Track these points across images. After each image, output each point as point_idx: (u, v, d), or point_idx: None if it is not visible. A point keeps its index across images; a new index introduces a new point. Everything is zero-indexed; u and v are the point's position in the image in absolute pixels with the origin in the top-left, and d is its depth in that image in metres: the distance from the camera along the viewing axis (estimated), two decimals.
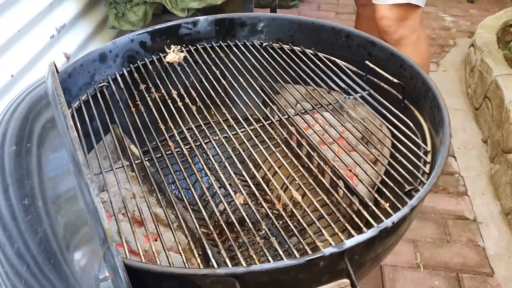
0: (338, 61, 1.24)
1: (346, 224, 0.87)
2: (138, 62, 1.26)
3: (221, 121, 1.11)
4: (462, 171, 2.10)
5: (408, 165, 0.96)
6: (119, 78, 1.21)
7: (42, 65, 1.65)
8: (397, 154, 1.00)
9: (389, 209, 0.87)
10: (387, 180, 0.95)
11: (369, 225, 0.85)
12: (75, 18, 1.88)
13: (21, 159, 0.83)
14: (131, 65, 1.25)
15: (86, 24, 1.95)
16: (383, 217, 0.84)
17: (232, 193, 0.95)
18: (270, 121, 1.13)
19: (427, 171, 0.94)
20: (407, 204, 0.81)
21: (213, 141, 1.07)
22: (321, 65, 1.22)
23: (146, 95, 1.17)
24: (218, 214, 0.92)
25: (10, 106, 0.93)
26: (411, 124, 1.05)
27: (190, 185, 0.97)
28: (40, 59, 1.66)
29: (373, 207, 0.89)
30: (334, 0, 3.43)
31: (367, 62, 1.18)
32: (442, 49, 2.87)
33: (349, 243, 0.73)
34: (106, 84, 1.20)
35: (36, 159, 0.83)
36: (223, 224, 0.90)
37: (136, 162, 1.04)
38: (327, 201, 0.93)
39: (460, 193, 2.02)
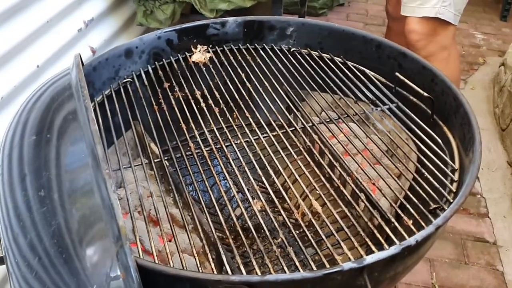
0: (367, 71, 1.21)
1: (366, 238, 0.84)
2: (164, 60, 1.25)
3: (244, 125, 1.09)
4: (485, 192, 2.05)
5: (434, 182, 0.93)
6: (143, 75, 1.20)
7: (68, 58, 1.65)
8: (423, 170, 0.96)
9: (412, 227, 0.84)
10: (411, 196, 0.92)
11: (389, 241, 0.82)
12: (104, 13, 1.88)
13: (40, 149, 0.82)
14: (156, 62, 1.24)
15: (114, 19, 1.95)
16: (405, 234, 0.82)
17: (250, 199, 0.93)
18: (293, 128, 1.11)
19: (454, 190, 0.91)
20: (432, 223, 0.78)
21: (234, 145, 1.05)
22: (349, 74, 1.19)
23: (170, 94, 1.16)
24: (234, 219, 0.90)
25: (33, 96, 0.92)
26: (439, 140, 1.02)
27: (208, 188, 0.95)
28: (66, 51, 1.66)
29: (396, 223, 0.86)
30: (363, 11, 3.41)
31: (397, 74, 1.15)
32: (471, 67, 2.82)
33: (369, 259, 0.71)
34: (130, 80, 1.19)
35: (55, 150, 0.82)
36: (239, 229, 0.88)
37: (155, 160, 1.03)
38: (348, 213, 0.90)
39: (481, 215, 1.97)
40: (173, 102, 1.13)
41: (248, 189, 0.96)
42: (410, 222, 0.84)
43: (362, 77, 1.19)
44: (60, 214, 0.74)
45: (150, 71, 1.22)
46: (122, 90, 1.16)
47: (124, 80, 1.18)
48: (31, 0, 1.51)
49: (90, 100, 0.79)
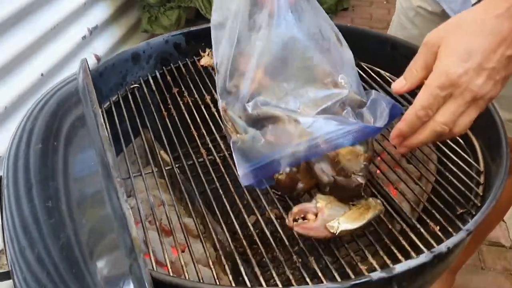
0: (382, 72, 1.17)
1: (390, 244, 0.80)
2: (172, 64, 1.21)
3: None
4: None
5: (459, 184, 0.89)
6: (151, 80, 1.16)
7: (72, 65, 1.62)
8: (446, 172, 0.92)
9: (439, 233, 0.79)
10: (435, 199, 0.88)
11: (413, 246, 0.78)
12: (108, 20, 1.85)
13: (47, 158, 0.78)
14: (164, 67, 1.21)
15: (118, 26, 1.92)
16: (432, 241, 0.77)
17: (265, 205, 0.89)
18: None
19: (481, 193, 0.87)
20: (462, 229, 0.74)
21: None
22: (364, 75, 1.15)
23: (179, 99, 1.12)
24: (250, 226, 0.86)
25: (39, 103, 0.88)
26: (461, 141, 0.98)
27: (222, 195, 0.91)
28: (70, 59, 1.63)
29: (421, 229, 0.81)
30: (367, 15, 3.38)
31: None
32: None
33: (399, 268, 0.66)
34: (138, 85, 1.16)
35: (63, 159, 0.78)
36: (255, 237, 0.84)
37: (166, 168, 0.99)
38: None
39: None
40: (182, 107, 1.09)
41: (263, 195, 0.91)
42: (437, 228, 0.80)
43: (377, 78, 1.15)
44: (69, 226, 0.70)
45: (158, 76, 1.18)
46: (129, 96, 1.12)
47: (132, 86, 1.15)
48: (35, 7, 1.49)
49: (98, 105, 0.75)
